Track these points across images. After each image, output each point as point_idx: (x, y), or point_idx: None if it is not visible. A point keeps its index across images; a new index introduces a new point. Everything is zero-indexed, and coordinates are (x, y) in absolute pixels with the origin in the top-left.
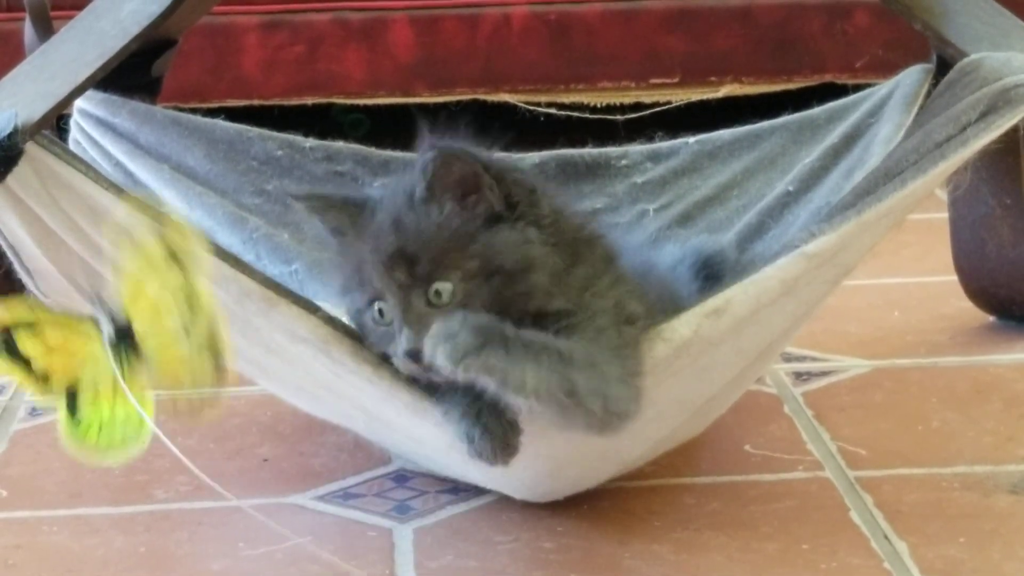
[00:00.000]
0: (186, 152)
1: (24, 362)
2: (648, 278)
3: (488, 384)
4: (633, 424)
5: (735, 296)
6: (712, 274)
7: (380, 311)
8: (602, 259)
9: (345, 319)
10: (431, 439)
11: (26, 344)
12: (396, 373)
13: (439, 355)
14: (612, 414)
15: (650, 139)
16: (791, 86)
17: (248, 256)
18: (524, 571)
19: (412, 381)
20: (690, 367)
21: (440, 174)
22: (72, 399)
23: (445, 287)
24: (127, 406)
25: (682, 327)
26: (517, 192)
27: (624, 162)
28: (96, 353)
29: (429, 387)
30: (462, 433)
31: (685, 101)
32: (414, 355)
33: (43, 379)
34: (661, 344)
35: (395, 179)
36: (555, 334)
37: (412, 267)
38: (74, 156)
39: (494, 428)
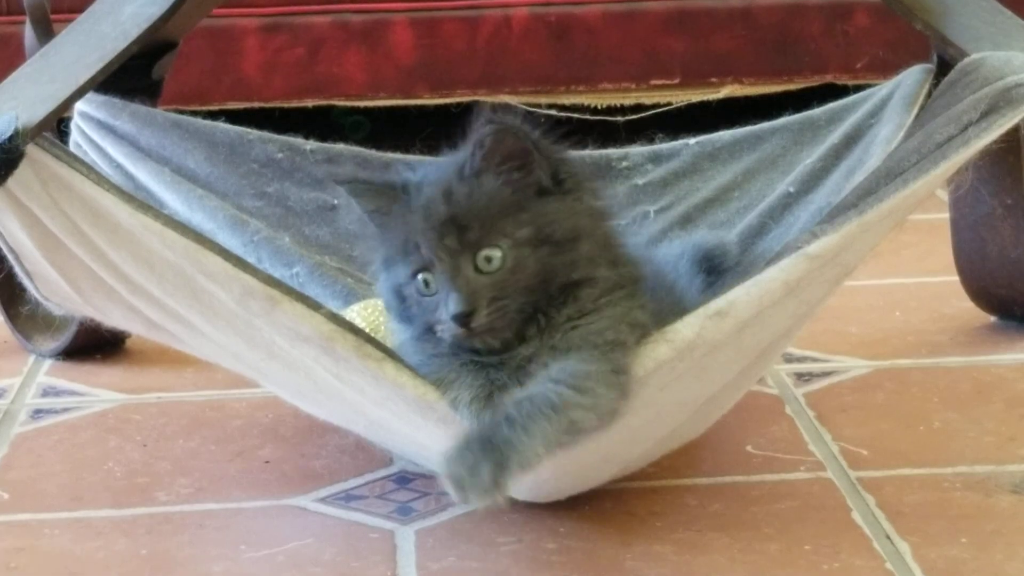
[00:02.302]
0: (187, 155)
1: None
2: (655, 283)
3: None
4: (627, 421)
5: (738, 298)
6: (713, 268)
7: (425, 281)
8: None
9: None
10: (433, 444)
11: None
12: (400, 367)
13: (471, 498)
14: (603, 417)
15: (651, 140)
16: (792, 87)
17: (249, 259)
18: (526, 572)
19: (416, 374)
20: (692, 369)
21: (494, 146)
22: None
23: (495, 253)
24: None
25: (685, 329)
26: (564, 170)
27: (625, 164)
28: None
29: (435, 379)
30: (472, 417)
31: (686, 102)
32: (463, 318)
33: None
34: (664, 345)
35: (438, 162)
36: (578, 304)
37: (463, 234)
38: (75, 158)
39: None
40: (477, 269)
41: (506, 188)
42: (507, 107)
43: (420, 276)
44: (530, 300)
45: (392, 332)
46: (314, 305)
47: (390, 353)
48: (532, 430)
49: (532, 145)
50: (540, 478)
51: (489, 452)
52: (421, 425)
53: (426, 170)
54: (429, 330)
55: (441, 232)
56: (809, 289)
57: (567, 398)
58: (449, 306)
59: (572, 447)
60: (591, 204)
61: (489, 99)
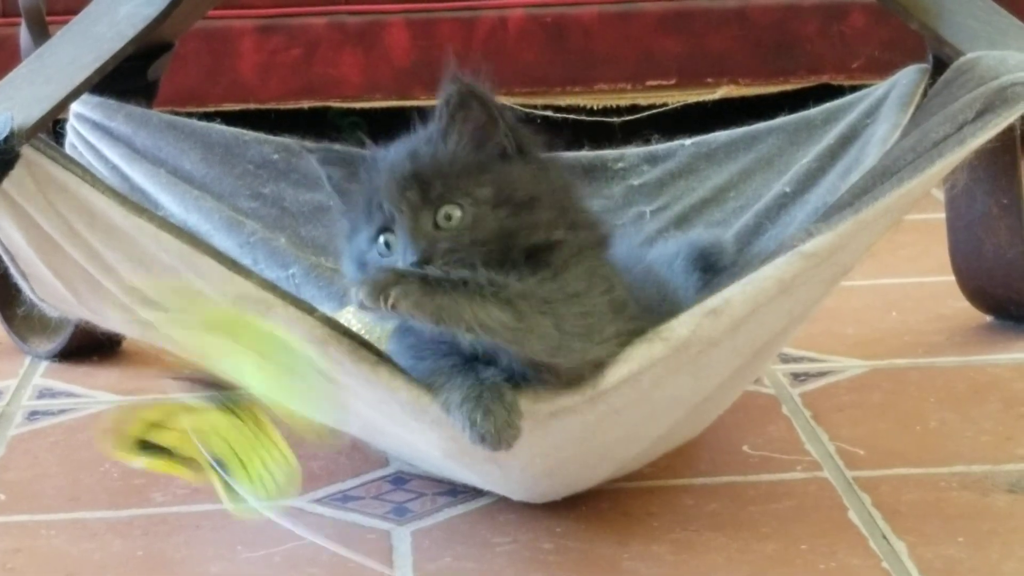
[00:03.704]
0: (182, 156)
1: (167, 454)
2: (643, 278)
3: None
4: (623, 418)
5: (733, 296)
6: (709, 267)
7: (387, 243)
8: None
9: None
10: (427, 446)
11: (163, 438)
12: (394, 370)
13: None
14: (562, 367)
15: (647, 141)
16: (787, 87)
17: (245, 260)
18: (522, 572)
19: (410, 378)
20: (688, 366)
21: (460, 106)
22: (221, 468)
23: (455, 211)
24: (270, 458)
25: (680, 327)
26: (527, 139)
27: (621, 164)
28: (218, 422)
29: (427, 382)
30: (464, 418)
31: (682, 103)
32: (419, 266)
33: (189, 462)
34: (660, 344)
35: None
36: (545, 269)
37: (425, 189)
38: (70, 160)
39: (497, 411)
40: (437, 226)
41: (470, 149)
42: (475, 72)
43: (382, 237)
44: (489, 261)
45: (387, 336)
46: (308, 309)
47: (384, 357)
48: (479, 298)
49: (496, 109)
50: (536, 476)
51: (426, 281)
52: (415, 428)
53: (395, 144)
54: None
55: (403, 186)
56: (804, 288)
57: (529, 306)
58: (405, 255)
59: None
60: (551, 171)
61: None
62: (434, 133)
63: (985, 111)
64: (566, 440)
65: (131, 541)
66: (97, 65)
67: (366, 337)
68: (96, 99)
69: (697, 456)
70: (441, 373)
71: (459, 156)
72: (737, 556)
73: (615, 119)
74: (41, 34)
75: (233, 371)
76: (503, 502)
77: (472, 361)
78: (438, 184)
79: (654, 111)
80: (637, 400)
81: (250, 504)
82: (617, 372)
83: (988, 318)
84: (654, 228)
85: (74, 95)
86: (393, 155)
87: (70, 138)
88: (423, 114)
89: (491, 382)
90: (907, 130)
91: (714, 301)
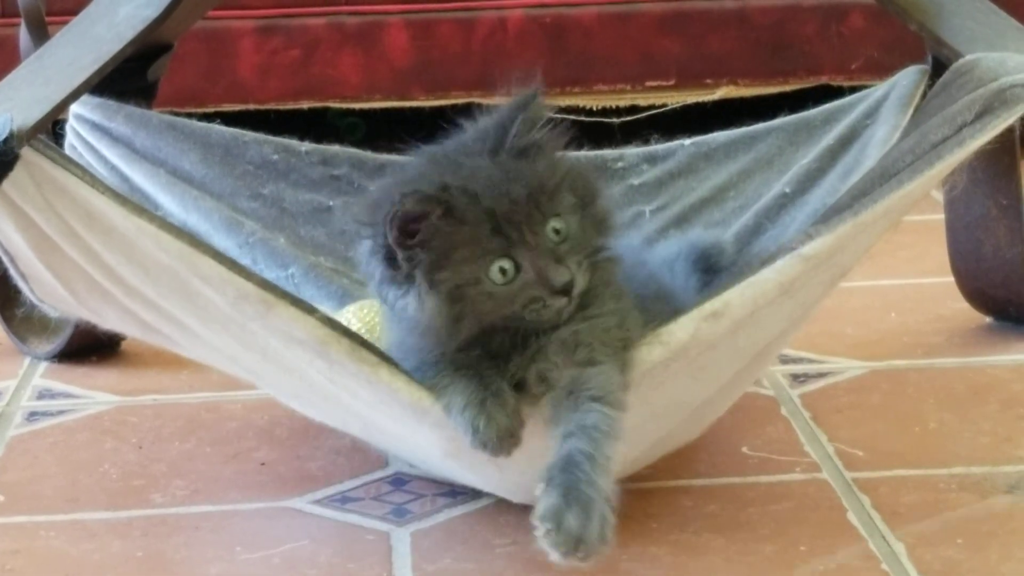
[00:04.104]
0: (182, 156)
1: None
2: (644, 282)
3: None
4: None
5: (733, 299)
6: (709, 267)
7: (502, 269)
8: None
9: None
10: (428, 446)
11: None
12: (395, 370)
13: (589, 558)
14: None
15: (646, 141)
16: (787, 88)
17: (244, 260)
18: (522, 574)
19: (411, 379)
20: (687, 368)
21: (536, 120)
22: None
23: (560, 224)
24: None
25: (680, 330)
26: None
27: (620, 164)
28: None
29: (430, 384)
30: (466, 424)
31: (681, 104)
32: (569, 285)
33: None
34: (659, 348)
35: (435, 157)
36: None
37: (535, 209)
38: (70, 161)
39: (499, 417)
40: (552, 240)
41: (545, 159)
42: (533, 79)
43: (496, 265)
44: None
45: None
46: (308, 309)
47: (385, 357)
48: (607, 466)
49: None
50: (536, 478)
51: (589, 506)
52: (416, 428)
53: (423, 166)
54: (487, 328)
55: (521, 211)
56: (804, 290)
57: (614, 419)
58: (553, 279)
59: None
60: (587, 171)
61: (484, 101)
62: (501, 148)
63: (984, 113)
64: None
65: (130, 542)
66: (97, 66)
67: (367, 337)
68: (96, 100)
69: (696, 457)
70: (444, 375)
71: (542, 168)
72: (736, 557)
73: (615, 120)
74: (40, 35)
75: None
76: (503, 503)
77: (476, 364)
78: (544, 200)
79: (654, 112)
80: (636, 403)
81: None
82: None
83: (987, 319)
84: (653, 228)
85: (74, 96)
86: (486, 181)
87: (70, 139)
88: (422, 116)
89: (495, 386)
90: (906, 131)
91: (713, 304)
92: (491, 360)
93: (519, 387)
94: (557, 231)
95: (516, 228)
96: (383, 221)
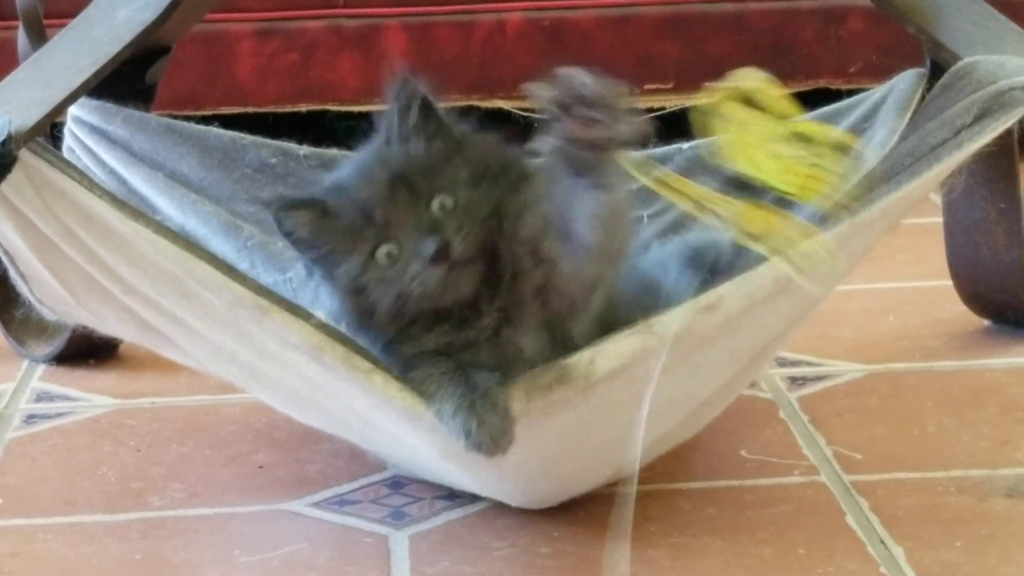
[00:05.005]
0: (180, 160)
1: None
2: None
3: None
4: (619, 418)
5: (728, 292)
6: (706, 266)
7: (388, 254)
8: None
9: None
10: (424, 448)
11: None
12: (388, 377)
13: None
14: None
15: (644, 145)
16: (785, 91)
17: (243, 264)
18: None
19: (404, 385)
20: (682, 364)
21: (408, 106)
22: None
23: (447, 200)
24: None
25: (673, 321)
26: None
27: None
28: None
29: (420, 389)
30: (458, 428)
31: (680, 107)
32: (443, 251)
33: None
34: (651, 336)
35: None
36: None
37: (411, 188)
38: (68, 164)
39: (490, 419)
40: (434, 217)
41: (427, 142)
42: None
43: (381, 250)
44: (490, 238)
45: None
46: (304, 314)
47: (379, 364)
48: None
49: (433, 102)
50: (532, 478)
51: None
52: (412, 431)
53: (337, 171)
54: (398, 312)
55: (392, 191)
56: (801, 289)
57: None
58: (425, 247)
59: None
60: (490, 140)
61: (483, 104)
62: (394, 138)
63: (983, 115)
64: (562, 437)
65: (128, 545)
66: (95, 69)
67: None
68: (94, 103)
69: (694, 460)
70: (432, 381)
71: (426, 150)
72: (734, 561)
73: None
74: (39, 37)
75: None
76: (501, 506)
77: (463, 367)
78: (421, 180)
79: (652, 115)
80: (631, 398)
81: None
82: (608, 363)
83: (986, 322)
84: (651, 233)
85: (72, 99)
86: (362, 171)
87: (68, 142)
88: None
89: (482, 388)
90: (905, 134)
91: (709, 297)
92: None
93: (507, 321)
94: (443, 206)
95: (386, 213)
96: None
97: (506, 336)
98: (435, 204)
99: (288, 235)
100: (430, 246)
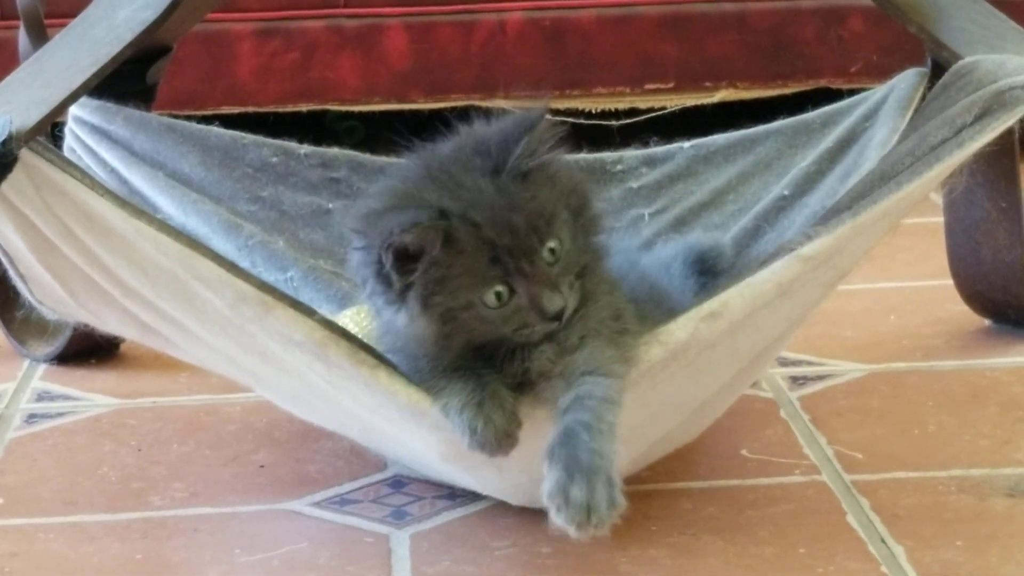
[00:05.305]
0: (181, 159)
1: None
2: (638, 283)
3: None
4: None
5: (731, 299)
6: (708, 270)
7: (497, 294)
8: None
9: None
10: (426, 449)
11: None
12: (393, 373)
13: (600, 528)
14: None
15: (645, 144)
16: (786, 91)
17: (243, 263)
18: None
19: (410, 381)
20: (685, 369)
21: (538, 148)
22: None
23: (555, 244)
24: None
25: (679, 330)
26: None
27: (619, 167)
28: None
29: (426, 385)
30: (464, 425)
31: (680, 106)
32: (561, 314)
33: None
34: (657, 347)
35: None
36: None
37: (534, 234)
38: (69, 163)
39: (496, 418)
40: (547, 263)
41: (547, 182)
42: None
43: (493, 289)
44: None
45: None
46: (307, 311)
47: (383, 360)
48: (608, 431)
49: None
50: (534, 479)
51: (592, 474)
52: (414, 431)
53: (418, 180)
54: (470, 345)
55: (515, 234)
56: (803, 291)
57: (609, 385)
58: (546, 307)
59: None
60: (576, 175)
61: (484, 104)
62: (514, 171)
63: (984, 115)
64: None
65: (129, 544)
66: (95, 68)
67: (365, 340)
68: (95, 102)
69: (695, 460)
70: (441, 376)
71: (540, 189)
72: (735, 560)
73: (614, 122)
74: (39, 37)
75: None
76: (502, 506)
77: (472, 364)
78: (541, 224)
79: (653, 115)
80: (634, 404)
81: None
82: None
83: (986, 322)
84: (652, 231)
85: (72, 98)
86: (476, 198)
87: (68, 141)
88: (421, 118)
89: (492, 387)
90: (905, 134)
91: (712, 304)
92: (487, 360)
93: (520, 387)
94: (552, 251)
95: (514, 257)
96: (379, 246)
97: (519, 357)
98: (545, 250)
99: (399, 257)
100: (556, 303)
